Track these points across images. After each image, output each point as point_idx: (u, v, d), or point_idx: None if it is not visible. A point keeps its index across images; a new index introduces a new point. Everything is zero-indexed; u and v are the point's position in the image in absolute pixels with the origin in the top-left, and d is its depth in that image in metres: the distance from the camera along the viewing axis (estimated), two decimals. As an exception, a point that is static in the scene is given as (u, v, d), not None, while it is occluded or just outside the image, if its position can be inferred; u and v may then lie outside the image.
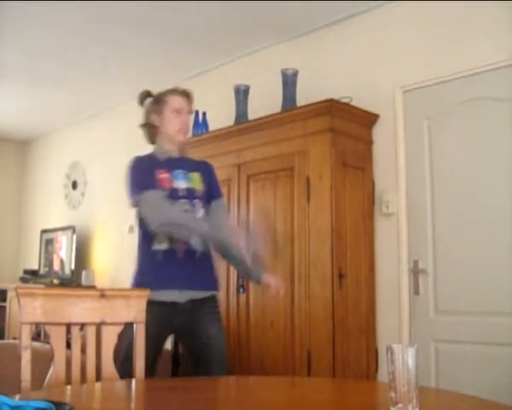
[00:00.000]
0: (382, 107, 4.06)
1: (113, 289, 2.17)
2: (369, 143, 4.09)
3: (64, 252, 6.98)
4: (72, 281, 6.60)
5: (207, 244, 2.73)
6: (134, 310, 2.09)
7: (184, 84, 5.72)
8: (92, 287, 6.05)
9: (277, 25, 4.58)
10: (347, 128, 3.90)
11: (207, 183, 2.90)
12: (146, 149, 6.04)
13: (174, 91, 2.90)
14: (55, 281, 6.76)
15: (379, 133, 4.09)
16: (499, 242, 3.48)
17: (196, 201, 2.79)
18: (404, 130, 3.97)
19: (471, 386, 3.03)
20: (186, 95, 2.91)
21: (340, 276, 3.67)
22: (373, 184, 4.06)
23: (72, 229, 6.85)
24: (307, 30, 4.60)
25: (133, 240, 6.17)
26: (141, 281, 2.71)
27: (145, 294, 2.15)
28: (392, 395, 1.34)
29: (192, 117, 2.91)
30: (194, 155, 4.67)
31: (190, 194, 2.79)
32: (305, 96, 4.08)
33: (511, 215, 3.45)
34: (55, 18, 4.48)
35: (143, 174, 2.79)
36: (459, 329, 3.58)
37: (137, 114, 6.61)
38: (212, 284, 2.83)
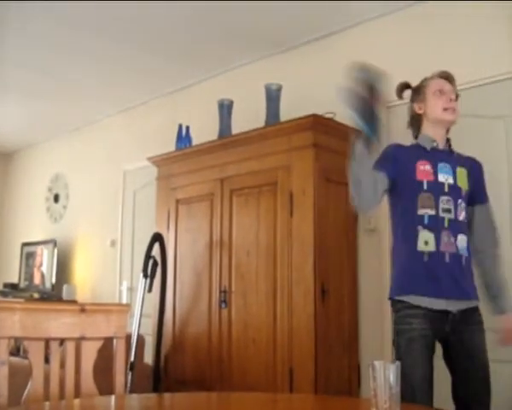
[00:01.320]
0: (365, 123, 4.07)
1: (94, 304, 2.15)
2: (352, 158, 4.10)
3: (45, 266, 6.91)
4: (53, 295, 6.53)
5: (471, 249, 2.58)
6: (114, 325, 2.06)
7: (168, 98, 5.77)
8: (73, 301, 5.99)
9: (261, 40, 4.59)
10: (331, 143, 3.91)
11: (473, 182, 2.64)
12: (130, 163, 6.00)
13: (433, 76, 2.73)
14: (36, 295, 6.68)
15: (362, 149, 4.10)
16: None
17: (460, 201, 2.55)
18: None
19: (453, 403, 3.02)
20: (446, 76, 2.70)
21: (323, 291, 3.66)
22: (356, 199, 4.07)
23: (54, 242, 6.79)
24: (291, 45, 4.62)
25: (114, 254, 6.18)
26: (406, 285, 2.51)
27: (126, 309, 2.13)
28: (374, 411, 1.34)
29: (457, 102, 2.70)
30: (177, 169, 4.70)
31: (455, 192, 2.55)
32: (288, 111, 4.09)
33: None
34: (38, 31, 4.47)
35: (387, 156, 2.57)
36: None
37: (121, 128, 6.62)
38: (476, 293, 2.55)
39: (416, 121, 2.73)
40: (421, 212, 2.50)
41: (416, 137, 2.73)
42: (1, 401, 1.77)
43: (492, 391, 2.57)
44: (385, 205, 3.91)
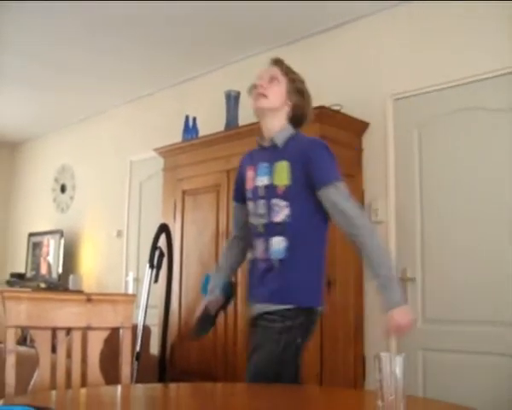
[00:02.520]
0: (373, 115, 4.06)
1: (100, 294, 2.15)
2: (358, 150, 4.09)
3: (51, 256, 6.93)
4: (60, 285, 6.55)
5: (294, 250, 2.34)
6: (121, 315, 2.07)
7: (175, 90, 5.76)
8: (79, 291, 6.01)
9: (268, 32, 4.58)
10: (337, 136, 3.90)
11: (302, 173, 2.33)
12: (137, 154, 6.01)
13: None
14: (42, 285, 6.71)
15: (369, 141, 4.09)
16: (488, 251, 3.49)
17: (276, 201, 2.34)
18: (394, 138, 3.98)
19: (459, 395, 3.03)
20: (272, 62, 2.56)
21: (329, 283, 3.66)
22: (362, 191, 4.06)
23: (60, 233, 6.81)
24: (298, 37, 4.60)
25: (121, 244, 6.19)
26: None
27: (132, 299, 2.14)
28: (380, 403, 1.34)
29: (282, 85, 2.48)
30: (184, 160, 4.70)
31: (270, 192, 2.37)
32: (295, 102, 4.07)
33: (500, 224, 3.46)
34: (44, 23, 4.47)
35: (235, 182, 2.70)
36: (447, 338, 3.58)
37: (127, 119, 6.62)
38: (275, 296, 2.35)
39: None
40: (250, 221, 2.50)
41: None
42: (8, 390, 1.78)
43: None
44: (391, 198, 3.91)
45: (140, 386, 2.55)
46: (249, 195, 2.48)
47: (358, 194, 4.04)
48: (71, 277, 6.51)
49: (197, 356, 4.33)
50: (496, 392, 3.27)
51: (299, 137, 2.47)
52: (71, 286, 6.42)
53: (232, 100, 4.52)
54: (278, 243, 2.34)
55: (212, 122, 4.73)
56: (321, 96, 4.11)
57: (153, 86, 5.83)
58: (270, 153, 2.43)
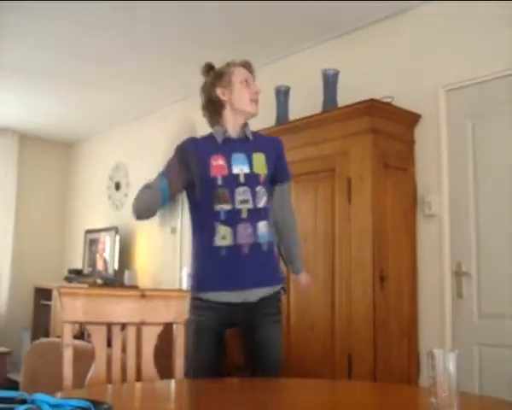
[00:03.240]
0: (424, 106, 4.00)
1: (154, 290, 2.20)
2: (410, 143, 4.04)
3: (107, 252, 7.08)
4: (116, 281, 6.68)
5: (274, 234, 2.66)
6: (174, 311, 2.10)
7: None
8: (135, 287, 6.12)
9: (318, 25, 4.55)
10: (389, 128, 3.86)
11: (273, 165, 2.66)
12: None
13: (235, 63, 2.71)
14: (99, 281, 6.85)
15: (421, 133, 4.03)
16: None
17: (259, 188, 2.56)
18: (447, 130, 3.91)
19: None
20: (249, 67, 2.72)
21: (382, 278, 3.63)
22: (415, 184, 4.01)
23: (115, 229, 6.94)
24: (348, 29, 4.56)
25: (175, 240, 6.26)
26: (202, 281, 2.59)
27: (185, 295, 2.17)
28: (433, 400, 1.32)
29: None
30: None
31: (252, 180, 2.55)
32: (345, 96, 4.05)
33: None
34: (97, 21, 4.55)
35: (172, 162, 2.77)
36: (504, 333, 3.51)
37: (180, 116, 6.65)
38: (279, 276, 2.67)
39: (215, 106, 2.71)
40: (217, 208, 2.51)
41: (214, 122, 2.73)
42: (66, 383, 1.83)
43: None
44: (445, 191, 3.85)
45: (193, 381, 2.59)
46: (218, 182, 2.53)
47: (411, 187, 3.99)
48: (126, 272, 6.63)
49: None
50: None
51: (257, 133, 2.84)
52: (126, 282, 6.54)
53: (282, 95, 4.52)
54: (265, 227, 2.56)
55: (262, 118, 4.69)
56: (371, 88, 4.10)
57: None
58: (242, 144, 2.65)
